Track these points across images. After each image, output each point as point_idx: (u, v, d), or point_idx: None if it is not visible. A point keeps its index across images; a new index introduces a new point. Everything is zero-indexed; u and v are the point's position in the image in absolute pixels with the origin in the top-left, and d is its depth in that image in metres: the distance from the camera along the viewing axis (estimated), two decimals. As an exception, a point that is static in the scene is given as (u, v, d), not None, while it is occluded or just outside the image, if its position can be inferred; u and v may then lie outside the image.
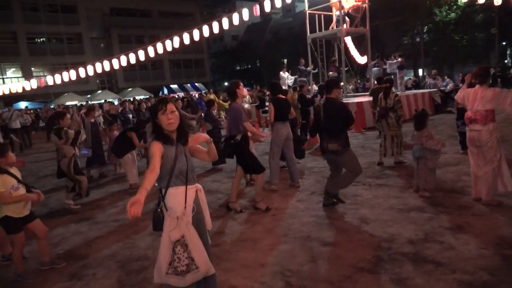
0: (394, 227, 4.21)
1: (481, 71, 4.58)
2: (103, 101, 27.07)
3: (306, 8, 15.26)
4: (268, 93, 13.42)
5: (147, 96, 31.24)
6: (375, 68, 14.32)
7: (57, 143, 5.83)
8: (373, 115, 9.69)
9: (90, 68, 9.52)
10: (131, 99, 25.94)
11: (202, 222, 2.67)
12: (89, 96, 33.55)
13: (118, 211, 5.83)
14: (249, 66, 49.48)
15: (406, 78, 18.40)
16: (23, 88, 10.66)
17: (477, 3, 22.90)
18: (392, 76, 11.66)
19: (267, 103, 11.16)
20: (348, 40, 15.33)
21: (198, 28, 8.95)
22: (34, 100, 30.89)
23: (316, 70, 15.56)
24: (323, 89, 10.41)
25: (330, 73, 13.69)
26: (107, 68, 9.48)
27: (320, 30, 15.19)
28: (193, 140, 2.62)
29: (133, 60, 9.38)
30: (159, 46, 9.20)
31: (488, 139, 4.44)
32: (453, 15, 29.11)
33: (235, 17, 8.74)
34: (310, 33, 15.27)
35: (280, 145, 6.02)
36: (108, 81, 38.83)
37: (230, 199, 5.34)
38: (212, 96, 18.94)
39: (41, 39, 35.32)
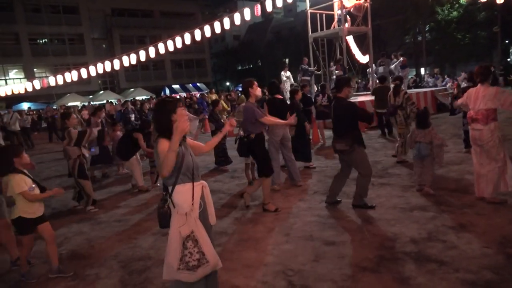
0: (397, 226, 4.20)
1: (482, 69, 4.57)
2: (105, 101, 27.11)
3: (308, 8, 15.23)
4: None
5: (148, 97, 31.27)
6: (380, 67, 14.29)
7: (65, 143, 5.82)
8: (375, 113, 9.65)
9: (92, 69, 9.53)
10: (133, 100, 25.97)
11: (207, 218, 2.73)
12: (91, 96, 33.63)
13: (121, 212, 5.84)
14: (251, 66, 49.50)
15: (408, 77, 18.36)
16: (26, 89, 10.68)
17: (479, 1, 22.91)
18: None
19: None
20: (350, 39, 15.30)
21: (199, 28, 8.95)
22: (36, 101, 30.98)
23: (320, 72, 15.51)
24: (324, 88, 10.40)
25: (336, 71, 13.64)
26: (108, 68, 9.49)
27: (321, 29, 15.16)
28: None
29: (134, 61, 9.39)
30: (161, 46, 9.20)
31: (489, 138, 4.43)
32: (455, 13, 29.02)
33: (237, 17, 8.74)
34: (311, 32, 15.25)
35: (276, 146, 5.99)
36: (110, 81, 38.91)
37: (264, 202, 5.23)
38: (214, 96, 18.96)
39: (43, 40, 35.42)
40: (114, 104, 23.02)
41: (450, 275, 3.11)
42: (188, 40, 9.05)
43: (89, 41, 36.99)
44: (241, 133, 6.49)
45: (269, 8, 8.73)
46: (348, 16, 14.55)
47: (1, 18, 31.42)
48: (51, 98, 30.99)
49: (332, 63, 15.41)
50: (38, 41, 35.25)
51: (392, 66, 14.37)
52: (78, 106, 24.65)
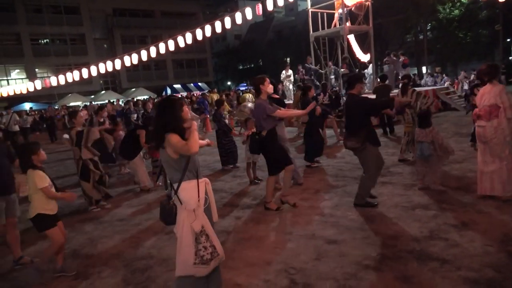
0: (399, 224, 4.20)
1: (489, 68, 4.56)
2: (106, 101, 27.16)
3: (309, 7, 15.22)
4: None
5: (147, 97, 31.28)
6: (385, 66, 14.28)
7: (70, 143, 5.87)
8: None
9: (93, 69, 9.56)
10: (134, 100, 25.97)
11: (211, 214, 2.80)
12: (92, 96, 33.68)
13: (123, 211, 5.85)
14: (252, 66, 49.46)
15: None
16: (27, 89, 10.72)
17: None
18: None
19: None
20: (351, 38, 15.28)
21: (200, 28, 8.96)
22: (38, 101, 31.05)
23: (325, 70, 15.49)
24: (326, 87, 10.40)
25: (342, 70, 13.62)
26: (110, 68, 9.52)
27: (323, 28, 15.15)
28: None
29: (136, 61, 9.42)
30: (162, 46, 9.22)
31: (493, 135, 4.42)
32: (456, 12, 28.93)
33: (238, 17, 8.74)
34: (312, 31, 15.24)
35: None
36: (111, 81, 38.97)
37: (282, 194, 5.21)
38: (215, 96, 18.94)
39: (45, 40, 35.47)
40: (113, 104, 23.00)
41: (452, 273, 3.11)
42: (189, 40, 9.07)
43: (90, 41, 37.03)
44: (245, 133, 6.51)
45: (270, 7, 8.72)
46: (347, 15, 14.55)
47: (2, 19, 31.50)
48: (52, 98, 31.06)
49: (330, 63, 15.42)
50: (39, 41, 35.31)
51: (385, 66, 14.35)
52: (79, 106, 24.69)
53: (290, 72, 15.67)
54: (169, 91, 38.31)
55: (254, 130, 6.73)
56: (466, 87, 21.73)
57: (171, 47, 9.16)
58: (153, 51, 9.23)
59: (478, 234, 3.77)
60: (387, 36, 33.22)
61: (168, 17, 41.39)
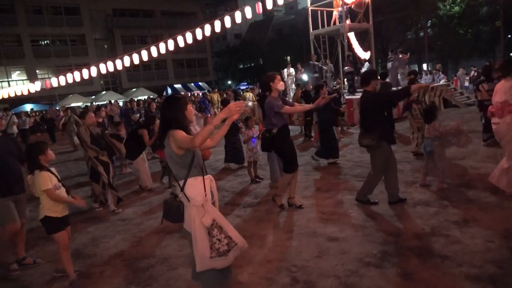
0: (400, 221, 4.20)
1: (500, 65, 4.58)
2: (107, 101, 27.18)
3: (309, 5, 15.21)
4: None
5: (151, 96, 31.31)
6: (389, 63, 14.28)
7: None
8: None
9: (94, 69, 9.55)
10: (135, 100, 25.97)
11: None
12: (93, 97, 33.70)
13: (125, 211, 5.85)
14: (252, 65, 49.44)
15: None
16: (29, 90, 10.72)
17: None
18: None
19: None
20: (351, 35, 15.26)
21: (200, 27, 8.94)
22: (39, 102, 31.12)
23: (331, 66, 15.43)
24: (326, 85, 10.38)
25: (346, 68, 13.61)
26: (111, 68, 9.50)
27: (322, 26, 15.14)
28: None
29: (136, 61, 9.39)
30: (162, 46, 9.20)
31: (506, 132, 4.38)
32: (457, 8, 28.87)
33: (238, 15, 8.71)
34: (312, 29, 15.22)
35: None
36: (112, 82, 38.99)
37: (290, 195, 5.10)
38: (215, 96, 18.93)
39: (45, 41, 35.51)
40: (111, 104, 22.98)
41: (454, 270, 3.11)
42: (189, 40, 9.04)
43: (91, 42, 37.06)
44: (246, 132, 6.50)
45: (270, 6, 8.69)
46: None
47: (3, 20, 31.55)
48: (53, 99, 31.11)
49: (327, 61, 15.41)
50: (40, 42, 35.35)
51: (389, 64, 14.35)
52: (80, 108, 24.71)
53: (292, 70, 15.66)
54: (169, 91, 38.33)
55: (254, 130, 6.75)
56: (466, 84, 21.71)
57: (171, 47, 9.14)
58: (153, 51, 9.22)
59: (480, 230, 3.77)
60: (387, 34, 33.19)
61: (168, 17, 41.40)
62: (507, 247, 3.39)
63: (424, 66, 32.64)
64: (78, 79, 9.77)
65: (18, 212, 4.05)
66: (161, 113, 2.83)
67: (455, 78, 22.45)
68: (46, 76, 31.20)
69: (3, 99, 11.71)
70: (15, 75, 34.15)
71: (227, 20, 8.78)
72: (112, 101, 24.15)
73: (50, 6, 34.93)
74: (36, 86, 10.48)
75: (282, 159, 4.96)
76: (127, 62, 9.43)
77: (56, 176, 3.65)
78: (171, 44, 9.14)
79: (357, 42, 15.53)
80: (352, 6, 14.55)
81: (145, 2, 39.19)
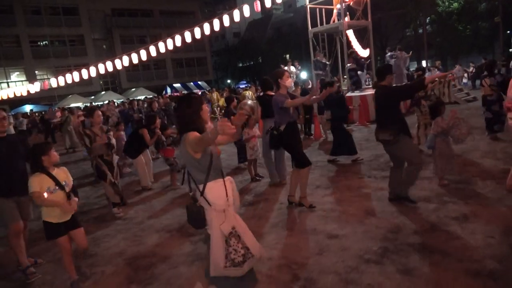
0: (400, 218, 4.21)
1: None
2: (106, 102, 27.18)
3: (307, 3, 15.17)
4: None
5: (151, 96, 31.29)
6: (392, 60, 14.28)
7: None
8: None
9: (93, 69, 9.55)
10: (135, 99, 25.98)
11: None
12: (93, 97, 33.71)
13: (125, 210, 5.85)
14: (252, 63, 49.39)
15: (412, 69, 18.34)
16: (28, 91, 10.72)
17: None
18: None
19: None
20: (350, 33, 15.23)
21: (199, 26, 8.94)
22: (39, 103, 31.09)
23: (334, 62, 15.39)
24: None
25: (348, 65, 13.59)
26: (110, 69, 9.50)
27: (321, 24, 15.10)
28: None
29: (135, 60, 9.39)
30: (161, 45, 9.20)
31: None
32: (456, 5, 28.85)
33: (236, 14, 8.71)
34: (311, 27, 15.19)
35: (268, 141, 5.90)
36: (111, 82, 38.99)
37: (290, 193, 5.07)
38: (215, 95, 18.93)
39: (44, 42, 35.50)
40: (109, 104, 22.91)
41: (454, 265, 3.12)
42: (188, 39, 9.04)
43: (89, 42, 37.05)
44: (246, 131, 6.50)
45: (268, 4, 8.70)
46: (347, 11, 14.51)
47: (1, 21, 31.53)
48: (53, 100, 31.11)
49: (325, 58, 15.38)
50: (38, 43, 35.33)
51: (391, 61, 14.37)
52: (79, 108, 24.68)
53: (292, 68, 15.63)
54: (169, 90, 38.33)
55: (254, 129, 6.73)
56: (465, 80, 21.69)
57: (170, 46, 9.13)
58: (152, 50, 9.21)
59: (480, 226, 3.77)
60: (386, 31, 33.16)
61: (167, 17, 41.36)
62: (507, 242, 3.40)
63: (424, 63, 32.64)
64: (77, 79, 9.78)
65: (21, 213, 4.02)
66: (175, 113, 2.73)
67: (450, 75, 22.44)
68: (45, 76, 31.20)
69: (2, 100, 11.70)
70: (14, 76, 34.15)
71: (226, 19, 8.78)
72: (117, 102, 24.12)
73: (49, 7, 34.91)
74: (35, 87, 10.48)
75: (292, 155, 4.89)
76: (126, 62, 9.43)
77: (55, 179, 3.48)
78: (170, 43, 9.14)
79: (356, 40, 15.50)
80: (351, 4, 14.51)
81: (144, 1, 39.20)
